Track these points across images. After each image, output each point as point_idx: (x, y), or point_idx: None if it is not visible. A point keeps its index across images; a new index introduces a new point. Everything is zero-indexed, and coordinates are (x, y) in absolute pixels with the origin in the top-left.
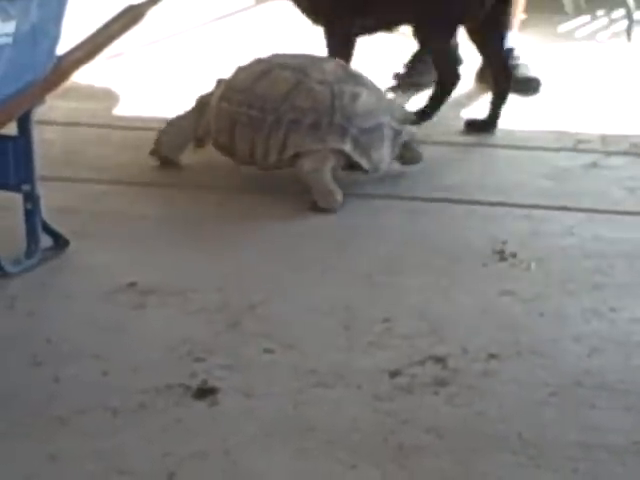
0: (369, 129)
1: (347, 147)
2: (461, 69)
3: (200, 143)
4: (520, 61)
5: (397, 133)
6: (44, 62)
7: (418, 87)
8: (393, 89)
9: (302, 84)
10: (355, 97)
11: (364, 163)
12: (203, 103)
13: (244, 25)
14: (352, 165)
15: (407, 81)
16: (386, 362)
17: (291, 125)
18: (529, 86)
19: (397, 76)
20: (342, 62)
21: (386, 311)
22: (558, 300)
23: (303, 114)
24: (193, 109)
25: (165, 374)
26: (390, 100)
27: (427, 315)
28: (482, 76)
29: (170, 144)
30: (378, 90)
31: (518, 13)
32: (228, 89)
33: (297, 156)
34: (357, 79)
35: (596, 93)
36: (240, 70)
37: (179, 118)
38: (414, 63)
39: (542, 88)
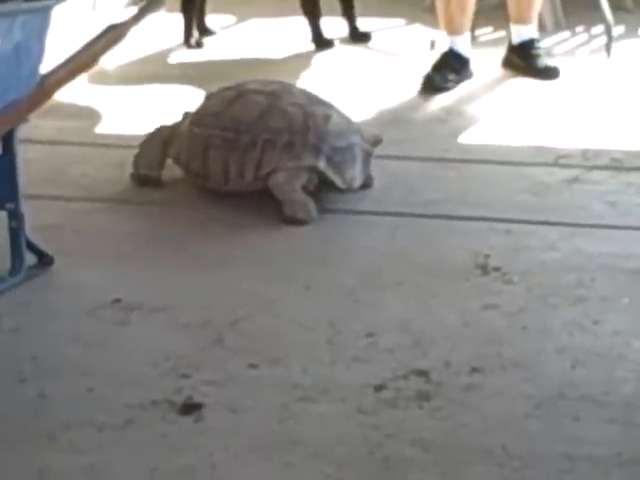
0: (342, 148)
1: (321, 164)
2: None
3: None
4: (541, 51)
5: (367, 154)
6: (28, 81)
7: None
8: None
9: (275, 106)
10: (327, 118)
11: (338, 181)
12: (172, 131)
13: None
14: (326, 183)
15: None
16: (370, 376)
17: (266, 144)
18: (549, 74)
19: None
20: (308, 90)
21: (369, 326)
22: (541, 313)
23: (278, 134)
24: (160, 129)
25: (150, 390)
26: (358, 123)
27: (410, 329)
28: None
29: (146, 162)
30: (345, 114)
31: (537, 7)
32: (199, 115)
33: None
34: (326, 103)
35: (576, 108)
36: (209, 97)
37: (149, 136)
38: None
39: (560, 76)
